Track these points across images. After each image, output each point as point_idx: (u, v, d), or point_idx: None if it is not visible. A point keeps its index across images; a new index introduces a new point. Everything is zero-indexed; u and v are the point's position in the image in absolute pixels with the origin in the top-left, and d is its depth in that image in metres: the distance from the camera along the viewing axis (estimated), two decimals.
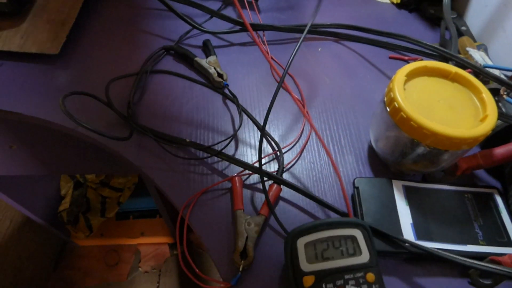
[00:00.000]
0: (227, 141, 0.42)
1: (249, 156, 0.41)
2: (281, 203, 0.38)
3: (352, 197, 0.38)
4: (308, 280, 0.27)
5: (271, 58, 0.52)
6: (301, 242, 0.29)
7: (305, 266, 0.28)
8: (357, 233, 0.29)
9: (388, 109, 0.35)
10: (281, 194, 0.38)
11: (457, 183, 0.37)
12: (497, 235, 0.33)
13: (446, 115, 0.33)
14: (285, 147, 0.42)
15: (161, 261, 1.19)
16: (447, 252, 0.31)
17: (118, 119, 0.43)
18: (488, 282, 0.31)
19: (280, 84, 0.39)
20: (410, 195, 0.36)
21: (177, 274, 1.16)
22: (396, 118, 0.33)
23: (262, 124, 0.40)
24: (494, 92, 0.41)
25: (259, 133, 0.43)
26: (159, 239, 1.21)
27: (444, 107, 0.34)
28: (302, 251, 0.28)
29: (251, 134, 0.43)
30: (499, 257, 0.30)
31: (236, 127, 0.44)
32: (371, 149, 0.42)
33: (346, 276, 0.27)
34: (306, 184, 0.39)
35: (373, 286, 0.27)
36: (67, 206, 1.08)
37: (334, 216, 0.36)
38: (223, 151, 0.40)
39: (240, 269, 0.32)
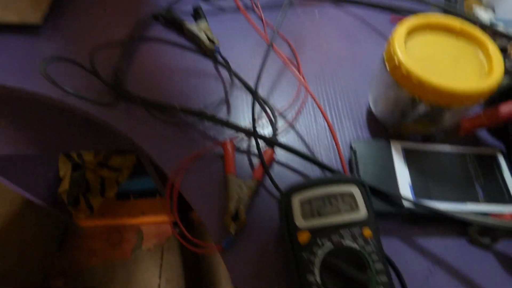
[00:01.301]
0: (219, 105, 0.40)
1: (242, 121, 0.40)
2: (275, 166, 0.36)
3: (349, 160, 0.36)
4: (303, 236, 0.26)
5: (265, 22, 0.50)
6: (297, 199, 0.28)
7: (300, 222, 0.27)
8: (355, 190, 0.28)
9: (387, 67, 0.33)
10: (275, 158, 0.37)
11: (459, 144, 0.36)
12: (498, 194, 0.32)
13: (450, 72, 0.32)
14: (280, 111, 0.41)
15: (163, 239, 1.20)
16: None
17: (105, 89, 0.42)
18: (487, 240, 0.30)
19: (271, 44, 0.37)
20: (410, 157, 0.34)
21: (180, 251, 1.17)
22: (396, 75, 0.31)
23: (254, 87, 0.38)
24: (501, 51, 0.39)
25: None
26: (161, 218, 1.21)
27: (448, 64, 0.32)
28: (298, 208, 0.27)
29: (243, 99, 0.42)
30: (499, 215, 0.29)
31: (229, 92, 0.42)
32: (369, 113, 0.41)
33: (342, 231, 0.26)
34: (301, 148, 0.38)
35: (369, 241, 0.26)
36: (67, 187, 1.08)
37: None
38: (214, 115, 0.38)
39: (232, 232, 0.31)
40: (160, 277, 1.12)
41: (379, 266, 0.25)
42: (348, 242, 0.26)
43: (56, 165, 1.11)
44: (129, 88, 0.42)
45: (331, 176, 0.31)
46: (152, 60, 0.46)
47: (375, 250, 0.26)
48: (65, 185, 1.08)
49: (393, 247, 0.31)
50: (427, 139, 0.37)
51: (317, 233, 0.26)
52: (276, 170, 0.36)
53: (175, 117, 0.40)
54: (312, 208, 0.28)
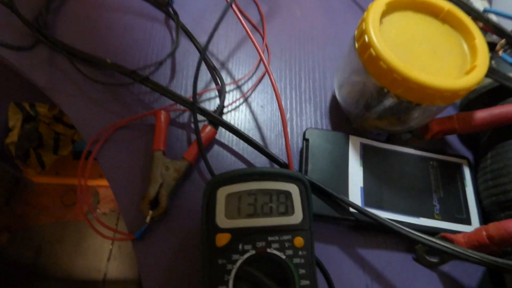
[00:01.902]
0: (161, 67, 0.34)
1: (185, 89, 0.34)
2: (215, 148, 0.31)
3: (300, 150, 0.31)
4: (223, 238, 0.22)
5: None
6: (223, 192, 0.23)
7: (222, 221, 0.22)
8: (293, 189, 0.23)
9: (356, 45, 0.27)
10: (217, 138, 0.31)
11: (425, 148, 0.32)
12: (455, 211, 0.29)
13: (427, 62, 0.27)
14: (232, 83, 0.35)
15: None
16: (396, 223, 0.26)
17: (25, 30, 0.34)
18: (434, 260, 0.26)
19: (231, 2, 0.31)
20: (367, 155, 0.30)
21: None
22: (364, 56, 0.26)
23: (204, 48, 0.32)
24: (489, 47, 0.34)
25: (204, 64, 0.35)
26: None
27: (426, 52, 0.27)
28: (222, 204, 0.23)
29: (190, 63, 0.35)
30: (452, 235, 0.25)
31: (176, 52, 0.35)
32: (334, 100, 0.36)
33: (270, 238, 0.22)
34: (249, 130, 0.33)
35: (300, 252, 0.22)
36: (15, 139, 0.98)
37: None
38: (152, 79, 0.32)
39: (147, 220, 0.26)
40: (112, 243, 1.08)
41: (305, 282, 0.21)
42: (273, 251, 0.22)
43: (5, 114, 1.01)
44: (57, 33, 0.35)
45: (268, 168, 0.27)
46: (91, 2, 0.38)
47: (304, 263, 0.22)
48: (13, 137, 0.98)
49: (332, 254, 0.28)
50: (392, 138, 0.33)
51: (239, 236, 0.22)
52: (215, 152, 0.31)
53: (106, 75, 0.33)
54: (240, 206, 0.23)
